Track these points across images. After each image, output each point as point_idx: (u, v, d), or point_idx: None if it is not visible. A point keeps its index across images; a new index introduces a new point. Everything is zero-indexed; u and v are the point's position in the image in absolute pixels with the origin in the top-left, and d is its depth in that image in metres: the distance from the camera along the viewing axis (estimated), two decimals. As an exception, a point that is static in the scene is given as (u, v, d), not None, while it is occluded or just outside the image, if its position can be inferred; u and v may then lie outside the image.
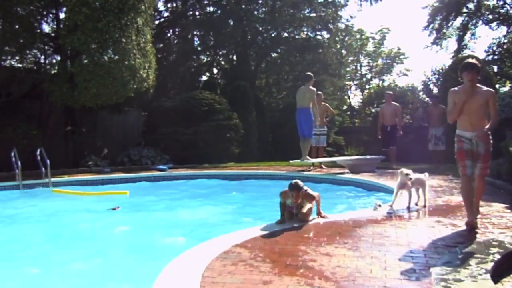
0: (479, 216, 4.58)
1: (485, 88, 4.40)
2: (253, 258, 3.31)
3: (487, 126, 4.33)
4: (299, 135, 10.35)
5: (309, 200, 4.70)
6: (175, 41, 20.50)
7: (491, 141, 4.36)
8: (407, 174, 5.20)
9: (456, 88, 4.47)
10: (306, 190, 4.64)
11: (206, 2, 19.84)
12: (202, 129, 13.15)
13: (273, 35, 19.89)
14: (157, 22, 17.94)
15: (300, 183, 4.58)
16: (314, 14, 19.29)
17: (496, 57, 20.36)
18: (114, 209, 6.54)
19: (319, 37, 20.33)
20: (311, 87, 10.18)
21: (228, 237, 3.94)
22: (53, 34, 12.23)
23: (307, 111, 10.11)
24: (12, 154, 8.94)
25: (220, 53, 21.32)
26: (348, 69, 26.21)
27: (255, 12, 19.82)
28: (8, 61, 11.55)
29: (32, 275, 3.67)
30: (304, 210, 4.62)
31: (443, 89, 13.38)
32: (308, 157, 10.32)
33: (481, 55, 19.40)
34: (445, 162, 10.38)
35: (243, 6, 18.74)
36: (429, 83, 17.43)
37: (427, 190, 5.55)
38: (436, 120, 10.92)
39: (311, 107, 10.12)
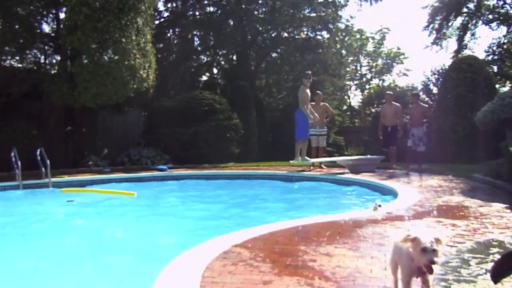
0: (479, 216, 4.56)
1: None
2: (253, 258, 3.31)
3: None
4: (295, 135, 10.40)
5: None
6: (175, 41, 20.51)
7: None
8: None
9: None
10: None
11: (206, 2, 19.85)
12: (202, 129, 13.15)
13: (273, 35, 19.91)
14: (157, 22, 17.93)
15: None
16: (314, 14, 19.30)
17: (496, 57, 20.38)
18: (71, 201, 7.12)
19: (319, 37, 20.35)
20: (303, 87, 10.26)
21: (228, 237, 3.93)
22: (53, 34, 12.22)
23: (300, 112, 10.19)
24: (12, 154, 8.93)
25: (220, 53, 21.33)
26: (348, 69, 26.23)
27: (255, 12, 19.83)
28: (8, 61, 11.54)
29: (32, 275, 3.67)
30: None
31: (443, 89, 13.34)
32: (306, 157, 10.32)
33: (481, 55, 19.41)
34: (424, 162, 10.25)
35: (243, 6, 18.74)
36: (429, 83, 17.45)
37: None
38: (417, 119, 10.21)
39: (302, 108, 10.14)
